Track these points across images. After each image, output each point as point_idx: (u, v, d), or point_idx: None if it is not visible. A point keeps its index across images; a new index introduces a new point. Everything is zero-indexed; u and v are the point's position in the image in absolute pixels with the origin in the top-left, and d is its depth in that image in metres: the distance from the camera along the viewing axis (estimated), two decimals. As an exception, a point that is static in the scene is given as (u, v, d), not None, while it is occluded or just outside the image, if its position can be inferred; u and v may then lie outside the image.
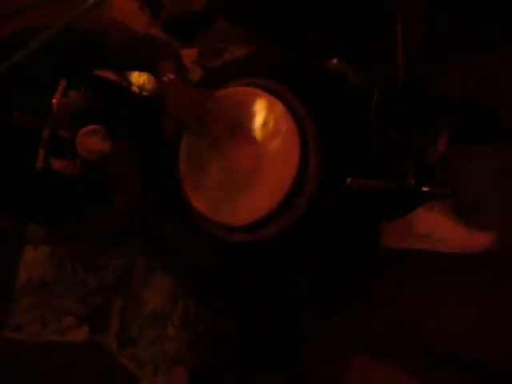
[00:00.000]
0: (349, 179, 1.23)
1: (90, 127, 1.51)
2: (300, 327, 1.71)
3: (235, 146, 1.42)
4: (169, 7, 2.26)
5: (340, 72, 1.60)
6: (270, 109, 1.38)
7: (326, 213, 1.33)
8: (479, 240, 1.44)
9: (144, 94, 2.00)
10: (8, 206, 1.58)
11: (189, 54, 1.98)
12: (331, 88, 1.48)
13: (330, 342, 1.71)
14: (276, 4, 1.88)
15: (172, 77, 1.47)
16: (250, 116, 1.40)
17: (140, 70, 1.80)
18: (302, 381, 1.78)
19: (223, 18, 2.03)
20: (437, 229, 1.47)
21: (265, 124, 1.38)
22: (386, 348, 1.60)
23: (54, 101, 1.45)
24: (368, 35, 1.66)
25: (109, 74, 1.92)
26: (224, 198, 1.42)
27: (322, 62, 1.64)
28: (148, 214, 1.64)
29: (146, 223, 1.67)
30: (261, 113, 1.39)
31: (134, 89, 2.03)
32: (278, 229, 1.35)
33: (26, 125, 1.46)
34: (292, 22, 1.85)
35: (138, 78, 2.14)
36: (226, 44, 1.86)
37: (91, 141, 1.51)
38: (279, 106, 1.37)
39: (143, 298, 1.87)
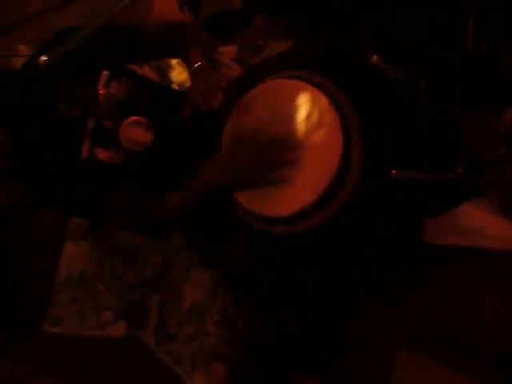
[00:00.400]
0: (394, 171, 1.21)
1: (134, 118, 1.53)
2: (338, 326, 1.69)
3: (277, 138, 1.41)
4: (208, 6, 2.28)
5: (380, 68, 1.59)
6: (313, 101, 1.37)
7: (369, 206, 1.32)
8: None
9: (184, 90, 2.02)
10: (52, 198, 1.59)
11: (228, 52, 1.99)
12: (372, 81, 1.46)
13: (368, 341, 1.69)
14: (317, 2, 1.88)
15: (199, 64, 1.49)
16: (294, 108, 1.39)
17: (173, 56, 1.82)
18: (338, 381, 1.76)
19: (262, 15, 2.04)
20: (483, 225, 1.44)
21: (308, 116, 1.37)
22: (426, 347, 1.57)
23: (101, 91, 1.47)
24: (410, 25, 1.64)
25: (149, 72, 1.94)
26: (267, 190, 1.41)
27: (363, 57, 1.63)
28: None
29: (190, 219, 1.67)
30: (304, 105, 1.38)
31: (175, 87, 2.05)
32: (319, 221, 1.34)
33: (72, 116, 1.49)
34: (332, 18, 1.84)
35: (179, 76, 2.17)
36: (266, 41, 1.86)
37: (135, 131, 1.53)
38: (323, 99, 1.36)
39: (182, 294, 1.88)
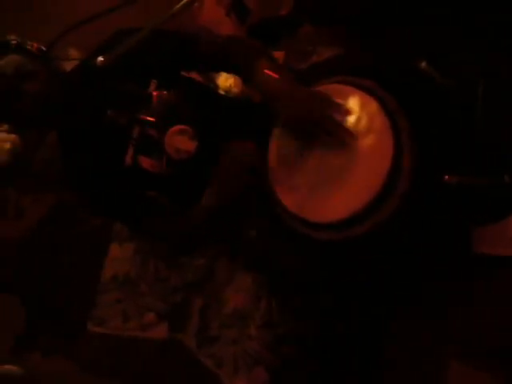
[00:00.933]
0: (447, 176, 1.19)
1: (180, 127, 1.55)
2: (383, 331, 1.67)
3: (327, 142, 1.41)
4: (255, 13, 2.30)
5: (429, 73, 1.57)
6: (363, 106, 1.37)
7: (420, 213, 1.30)
8: None
9: (230, 96, 2.04)
10: (96, 202, 1.62)
11: (275, 57, 2.00)
12: (422, 86, 1.45)
13: (413, 345, 1.65)
14: (364, 5, 1.87)
15: (269, 72, 1.46)
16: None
17: (229, 70, 1.82)
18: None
19: (311, 21, 2.04)
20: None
21: (358, 121, 1.37)
22: (479, 361, 1.53)
23: (155, 93, 1.49)
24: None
25: (196, 77, 1.96)
26: (313, 195, 1.41)
27: (412, 63, 1.62)
28: (234, 214, 1.65)
29: (231, 222, 1.68)
30: (354, 110, 1.38)
31: (221, 92, 2.07)
32: (368, 228, 1.33)
33: (119, 123, 1.52)
34: (381, 23, 1.83)
35: (225, 82, 2.18)
36: (315, 47, 1.86)
37: (180, 140, 1.55)
38: (373, 104, 1.35)
39: (225, 297, 1.88)
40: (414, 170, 1.29)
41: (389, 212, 1.31)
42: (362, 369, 1.72)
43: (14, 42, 1.45)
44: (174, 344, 2.05)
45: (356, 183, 1.34)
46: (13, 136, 2.11)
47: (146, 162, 1.54)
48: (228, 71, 1.84)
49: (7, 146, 2.12)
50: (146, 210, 1.59)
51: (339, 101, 1.39)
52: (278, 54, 2.02)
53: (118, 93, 1.52)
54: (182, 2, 1.25)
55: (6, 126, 1.45)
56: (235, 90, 2.14)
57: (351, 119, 1.37)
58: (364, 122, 1.36)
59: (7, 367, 1.89)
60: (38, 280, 2.17)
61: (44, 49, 1.48)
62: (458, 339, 1.51)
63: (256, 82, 1.46)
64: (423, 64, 1.61)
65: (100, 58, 1.21)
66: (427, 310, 1.59)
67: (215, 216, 1.58)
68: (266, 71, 1.44)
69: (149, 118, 1.53)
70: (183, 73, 1.69)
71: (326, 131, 1.37)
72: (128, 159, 1.52)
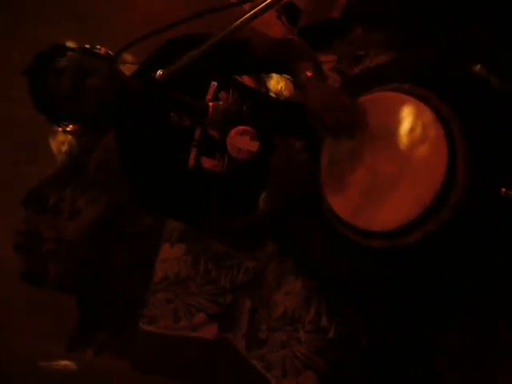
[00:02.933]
0: (504, 189, 1.17)
1: (242, 127, 1.57)
2: (434, 343, 1.65)
3: (380, 150, 1.40)
4: (306, 15, 2.29)
5: (484, 77, 1.54)
6: (417, 115, 1.35)
7: (473, 226, 1.28)
8: None
9: (281, 99, 2.04)
10: (157, 202, 1.64)
11: (327, 61, 1.99)
12: (478, 92, 1.42)
13: (465, 361, 1.63)
14: (418, 9, 1.84)
15: (309, 74, 1.47)
16: (397, 121, 1.38)
17: (279, 72, 1.83)
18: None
19: (363, 24, 2.02)
20: None
21: (412, 130, 1.35)
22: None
23: (211, 104, 1.51)
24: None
25: (247, 80, 1.98)
26: (365, 202, 1.41)
27: (466, 66, 1.59)
28: (287, 218, 1.65)
29: (284, 227, 1.68)
30: (408, 119, 1.36)
31: (272, 95, 2.08)
32: (419, 238, 1.31)
33: (182, 125, 1.55)
34: (435, 27, 1.80)
35: (276, 85, 2.20)
36: (367, 51, 1.85)
37: (242, 140, 1.57)
38: (427, 113, 1.33)
39: (274, 300, 1.89)
40: (468, 182, 1.27)
41: (440, 223, 1.29)
42: (412, 379, 1.70)
43: (77, 48, 1.50)
44: (224, 344, 2.08)
45: (408, 193, 1.33)
46: (69, 138, 2.17)
47: (208, 163, 1.57)
48: (279, 73, 1.85)
49: (64, 147, 2.19)
50: (208, 209, 1.60)
51: (394, 109, 1.38)
52: (330, 58, 2.01)
53: (178, 102, 1.55)
54: (243, 17, 1.26)
55: (71, 127, 1.48)
56: (286, 92, 2.15)
57: (406, 126, 1.36)
58: (418, 131, 1.34)
59: (63, 363, 1.96)
60: (92, 279, 2.23)
61: (111, 53, 1.52)
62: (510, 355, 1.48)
63: (297, 82, 1.49)
64: (478, 67, 1.58)
65: (160, 72, 1.23)
66: (480, 325, 1.56)
67: (275, 219, 1.59)
68: (307, 73, 1.46)
69: (210, 121, 1.56)
70: (236, 77, 1.72)
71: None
72: (191, 161, 1.55)
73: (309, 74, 1.45)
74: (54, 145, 2.18)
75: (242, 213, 1.60)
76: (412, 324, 1.61)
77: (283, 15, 2.37)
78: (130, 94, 1.49)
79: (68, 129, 1.51)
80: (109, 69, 1.48)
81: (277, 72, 1.89)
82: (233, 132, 1.56)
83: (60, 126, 1.52)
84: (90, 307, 2.20)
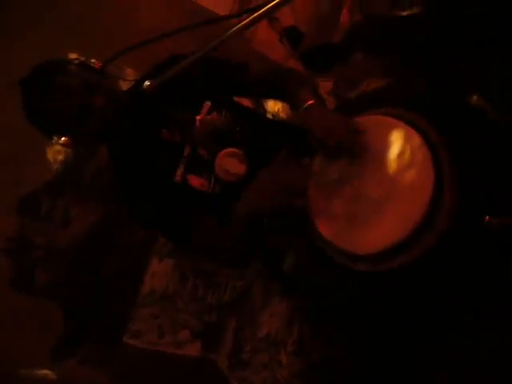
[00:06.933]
0: (487, 217, 1.16)
1: (231, 149, 1.58)
2: (421, 369, 1.62)
3: (368, 173, 1.40)
4: (308, 39, 2.32)
5: (480, 108, 1.54)
6: (406, 139, 1.35)
7: (457, 253, 1.27)
8: None
9: (277, 120, 2.05)
10: (143, 214, 1.64)
11: (324, 85, 2.01)
12: (470, 121, 1.42)
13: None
14: (417, 37, 1.86)
15: (311, 102, 1.48)
16: (386, 145, 1.38)
17: (276, 98, 1.85)
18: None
19: (363, 50, 2.04)
20: None
21: (400, 154, 1.35)
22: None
23: (198, 117, 1.52)
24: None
25: (246, 101, 1.99)
26: (350, 225, 1.40)
27: (462, 96, 1.59)
28: (271, 239, 1.65)
29: (269, 246, 1.68)
30: (397, 143, 1.36)
31: (269, 116, 2.09)
32: (403, 262, 1.30)
33: (173, 140, 1.56)
34: (433, 54, 1.81)
35: (274, 106, 2.21)
36: (364, 76, 1.86)
37: (230, 162, 1.57)
38: (416, 138, 1.33)
39: (259, 321, 1.87)
40: (453, 208, 1.27)
41: (426, 248, 1.28)
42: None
43: (76, 60, 1.50)
44: (207, 363, 2.06)
45: (393, 217, 1.32)
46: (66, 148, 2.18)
47: (194, 181, 1.57)
48: (275, 98, 1.86)
49: (60, 156, 2.20)
50: (190, 224, 1.59)
51: (384, 133, 1.39)
52: (328, 82, 2.03)
53: (166, 115, 1.56)
54: (232, 29, 1.26)
55: (64, 140, 1.47)
56: (282, 114, 2.16)
57: (395, 150, 1.36)
58: (407, 155, 1.34)
59: (44, 372, 1.94)
60: (80, 289, 2.22)
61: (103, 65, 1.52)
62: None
63: (297, 107, 1.49)
64: (475, 97, 1.59)
65: (147, 83, 1.24)
66: (465, 350, 1.54)
67: (250, 226, 1.57)
68: (309, 101, 1.46)
69: (197, 137, 1.56)
70: (235, 98, 1.73)
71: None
72: (178, 176, 1.55)
73: (310, 101, 1.46)
74: (50, 153, 2.19)
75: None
76: (396, 350, 1.59)
77: (285, 38, 2.40)
78: (121, 107, 1.49)
79: (60, 141, 1.50)
80: (110, 85, 1.49)
81: (274, 98, 1.90)
82: (221, 153, 1.57)
83: (52, 138, 1.51)
84: (75, 318, 2.18)
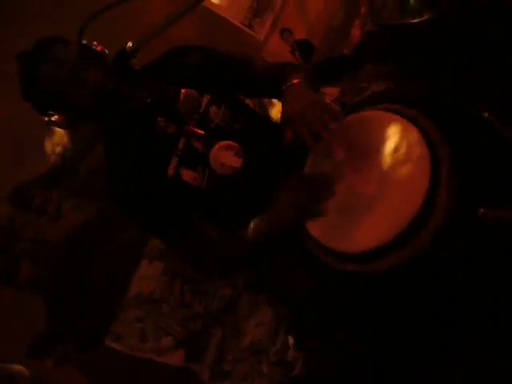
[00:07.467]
0: (481, 209, 1.08)
1: (227, 142, 1.53)
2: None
3: (361, 170, 1.33)
4: (320, 52, 2.29)
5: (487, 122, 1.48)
6: (403, 134, 1.28)
7: (454, 250, 1.18)
8: None
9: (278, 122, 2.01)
10: (133, 208, 1.58)
11: (330, 93, 1.97)
12: (471, 123, 1.36)
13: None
14: (426, 50, 1.82)
15: (296, 81, 1.43)
16: (382, 140, 1.32)
17: (278, 96, 1.81)
18: None
19: (372, 60, 2.00)
20: None
21: (396, 149, 1.28)
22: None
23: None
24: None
25: (250, 103, 1.95)
26: (341, 223, 1.32)
27: (471, 108, 1.53)
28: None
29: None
30: (393, 138, 1.30)
31: (271, 119, 2.04)
32: (395, 262, 1.22)
33: (167, 131, 1.51)
34: (440, 68, 1.77)
35: (278, 113, 2.16)
36: (370, 83, 1.81)
37: (226, 155, 1.52)
38: (414, 133, 1.27)
39: (244, 330, 1.80)
40: (449, 208, 1.19)
41: (419, 247, 1.20)
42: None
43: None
44: (188, 373, 1.97)
45: (386, 214, 1.25)
46: (65, 140, 2.15)
47: (187, 175, 1.51)
48: (277, 97, 1.82)
49: (58, 149, 2.17)
50: (183, 225, 1.53)
51: (380, 127, 1.33)
52: (334, 90, 1.99)
53: (151, 87, 1.51)
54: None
55: (56, 117, 1.44)
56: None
57: (390, 146, 1.30)
58: (403, 150, 1.27)
59: (17, 367, 1.86)
60: (65, 287, 2.15)
61: (107, 52, 1.50)
62: None
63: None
64: (486, 114, 1.53)
65: (129, 44, 1.20)
66: (462, 360, 1.43)
67: (260, 245, 1.49)
68: (294, 80, 1.43)
69: (197, 131, 1.52)
70: (240, 97, 1.69)
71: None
72: (170, 170, 1.50)
73: (295, 80, 1.41)
74: (48, 145, 2.16)
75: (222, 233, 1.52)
76: (386, 361, 1.48)
77: (297, 51, 2.37)
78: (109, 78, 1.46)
79: (53, 119, 1.47)
80: (108, 65, 1.46)
81: (275, 95, 1.86)
82: (217, 146, 1.52)
83: (45, 115, 1.49)
84: (58, 315, 2.11)
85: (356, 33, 2.09)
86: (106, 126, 1.58)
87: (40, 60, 1.44)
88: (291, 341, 1.62)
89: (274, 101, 2.14)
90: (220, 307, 1.96)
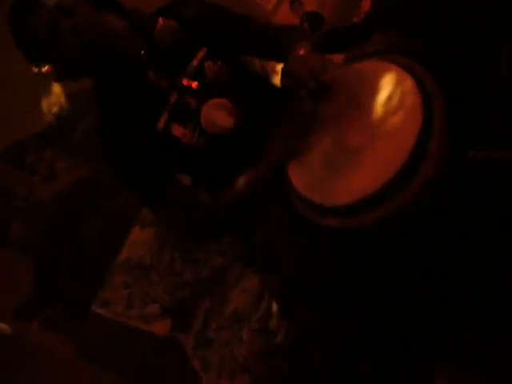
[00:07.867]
0: (471, 152, 1.00)
1: (220, 100, 1.47)
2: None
3: (352, 120, 1.25)
4: (329, 23, 2.22)
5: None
6: (397, 83, 1.21)
7: (443, 202, 1.10)
8: None
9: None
10: (119, 161, 1.52)
11: (334, 59, 1.89)
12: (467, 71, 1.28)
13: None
14: (439, 21, 1.74)
15: (302, 51, 1.36)
16: (376, 90, 1.24)
17: (279, 58, 1.74)
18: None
19: (382, 31, 1.92)
20: None
21: (389, 98, 1.21)
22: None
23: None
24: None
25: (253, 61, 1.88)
26: (326, 176, 1.25)
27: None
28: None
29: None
30: (387, 87, 1.22)
31: (273, 80, 1.97)
32: (379, 216, 1.14)
33: (159, 85, 1.46)
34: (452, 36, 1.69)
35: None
36: (377, 48, 1.74)
37: (217, 114, 1.46)
38: (408, 82, 1.19)
39: (229, 298, 1.73)
40: (440, 159, 1.10)
41: (406, 200, 1.11)
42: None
43: None
44: (173, 343, 1.91)
45: (373, 164, 1.17)
46: (62, 100, 2.11)
47: (177, 130, 1.46)
48: (278, 59, 1.75)
49: (55, 108, 2.13)
50: (164, 181, 1.47)
51: (375, 77, 1.25)
52: (338, 57, 1.91)
53: (161, 58, 1.47)
54: None
55: (46, 68, 1.40)
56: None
57: (384, 95, 1.22)
58: (396, 99, 1.20)
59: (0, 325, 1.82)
60: (56, 248, 2.11)
61: None
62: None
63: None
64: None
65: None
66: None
67: (241, 202, 1.43)
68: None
69: (191, 84, 1.46)
70: (241, 57, 1.63)
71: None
72: (160, 124, 1.44)
73: (302, 50, 1.35)
74: (45, 104, 2.12)
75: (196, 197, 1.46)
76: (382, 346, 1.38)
77: (306, 22, 2.30)
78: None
79: (43, 70, 1.43)
80: (91, 12, 1.41)
81: (277, 57, 1.79)
82: (210, 103, 1.46)
83: (36, 65, 1.45)
84: (47, 278, 2.07)
85: (367, 2, 2.02)
86: (96, 79, 1.53)
87: (24, 8, 1.40)
88: (275, 308, 1.54)
89: (278, 69, 2.07)
90: (210, 276, 1.90)
